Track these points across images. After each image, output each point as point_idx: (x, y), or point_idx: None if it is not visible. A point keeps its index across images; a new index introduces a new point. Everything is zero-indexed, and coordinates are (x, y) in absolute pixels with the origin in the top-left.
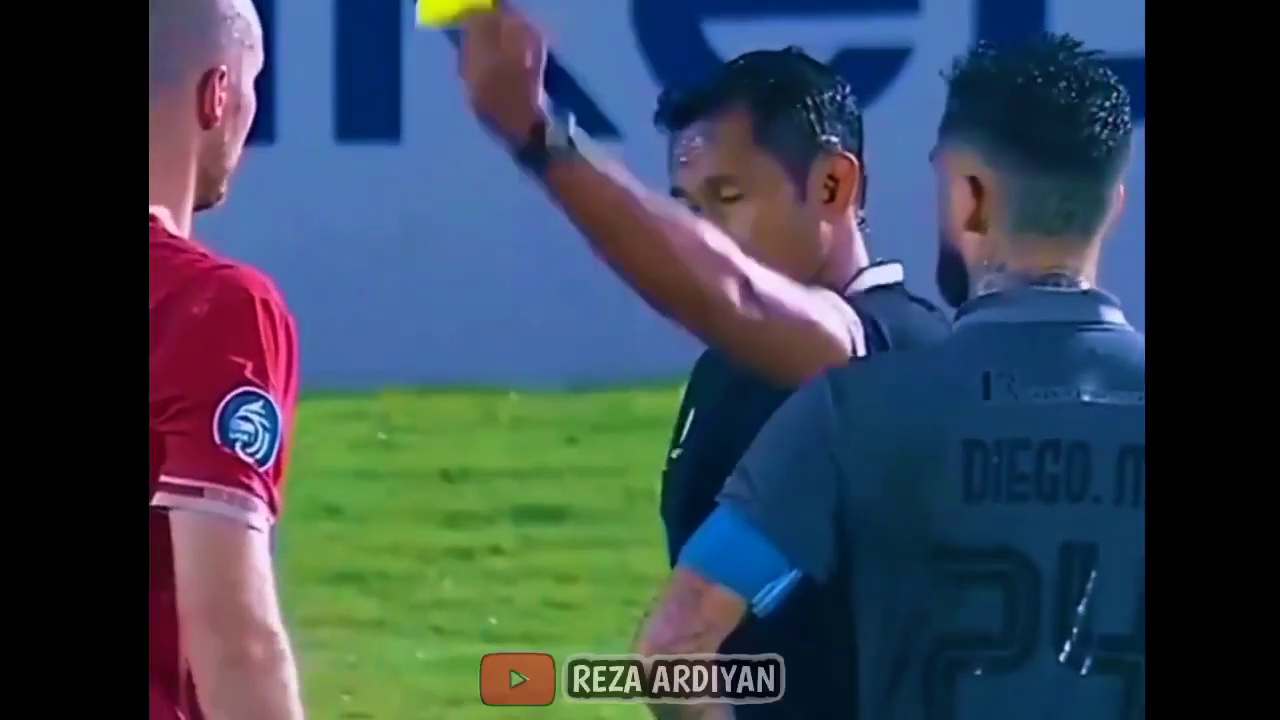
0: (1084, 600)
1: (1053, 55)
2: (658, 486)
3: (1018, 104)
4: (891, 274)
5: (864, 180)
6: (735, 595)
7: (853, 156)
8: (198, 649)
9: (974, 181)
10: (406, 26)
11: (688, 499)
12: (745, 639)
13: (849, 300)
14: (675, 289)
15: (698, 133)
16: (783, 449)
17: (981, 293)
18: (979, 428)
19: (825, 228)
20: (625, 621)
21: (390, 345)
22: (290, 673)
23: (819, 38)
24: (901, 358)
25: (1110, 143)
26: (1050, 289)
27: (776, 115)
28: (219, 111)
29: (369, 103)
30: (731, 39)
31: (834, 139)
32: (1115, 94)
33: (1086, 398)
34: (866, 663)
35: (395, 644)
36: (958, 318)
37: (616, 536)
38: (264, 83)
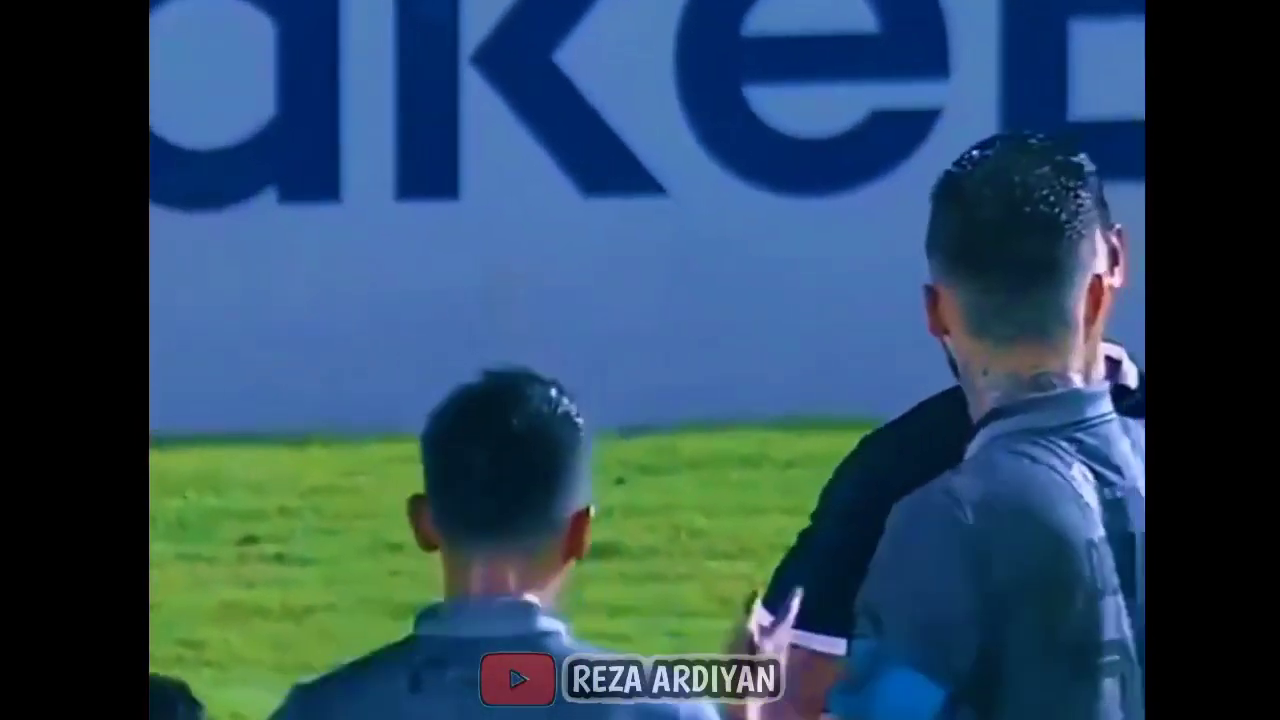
0: None
1: (1005, 168)
2: (702, 523)
3: (956, 226)
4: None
5: None
6: None
7: None
8: None
9: (930, 290)
10: (464, 84)
11: (816, 584)
12: None
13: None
14: None
15: None
16: (910, 573)
17: (992, 393)
18: (1091, 525)
19: None
20: (672, 650)
21: (448, 390)
22: None
23: (851, 100)
24: (1009, 466)
25: (1056, 249)
26: (1058, 391)
27: None
28: None
29: (429, 159)
30: (770, 99)
31: None
32: (1070, 194)
33: (1139, 486)
34: None
35: None
36: (984, 423)
37: (663, 571)
38: (327, 142)
